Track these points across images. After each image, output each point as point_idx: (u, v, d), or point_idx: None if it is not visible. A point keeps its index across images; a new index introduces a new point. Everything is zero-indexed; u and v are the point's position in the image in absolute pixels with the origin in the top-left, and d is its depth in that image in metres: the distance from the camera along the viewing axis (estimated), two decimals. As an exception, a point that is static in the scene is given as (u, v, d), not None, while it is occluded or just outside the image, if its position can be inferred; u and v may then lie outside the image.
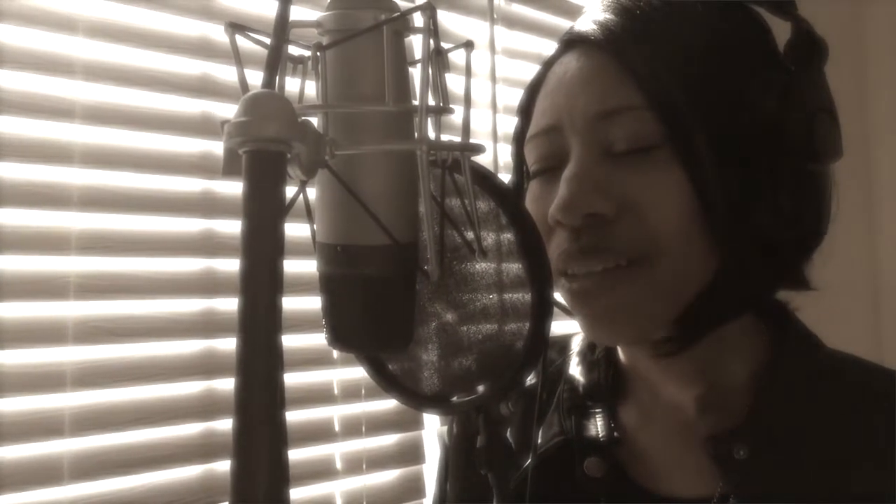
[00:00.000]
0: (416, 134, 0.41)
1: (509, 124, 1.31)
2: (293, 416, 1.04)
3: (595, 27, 0.62)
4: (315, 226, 0.43)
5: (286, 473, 0.31)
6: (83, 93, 0.89)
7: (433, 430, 1.19)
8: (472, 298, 0.50)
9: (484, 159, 1.25)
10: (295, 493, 1.03)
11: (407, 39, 0.43)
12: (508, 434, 0.52)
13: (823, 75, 0.61)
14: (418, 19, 0.40)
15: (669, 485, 0.63)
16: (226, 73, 0.99)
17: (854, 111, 1.89)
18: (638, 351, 0.66)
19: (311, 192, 0.43)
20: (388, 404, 1.12)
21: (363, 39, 0.40)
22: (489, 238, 0.50)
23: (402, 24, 0.41)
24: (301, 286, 0.92)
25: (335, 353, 1.06)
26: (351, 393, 1.09)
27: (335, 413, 1.09)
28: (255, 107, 0.32)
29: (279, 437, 0.31)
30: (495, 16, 1.32)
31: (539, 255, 0.50)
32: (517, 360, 0.49)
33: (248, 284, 0.31)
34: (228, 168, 0.33)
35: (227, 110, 0.99)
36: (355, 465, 1.10)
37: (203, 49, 0.98)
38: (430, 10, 0.38)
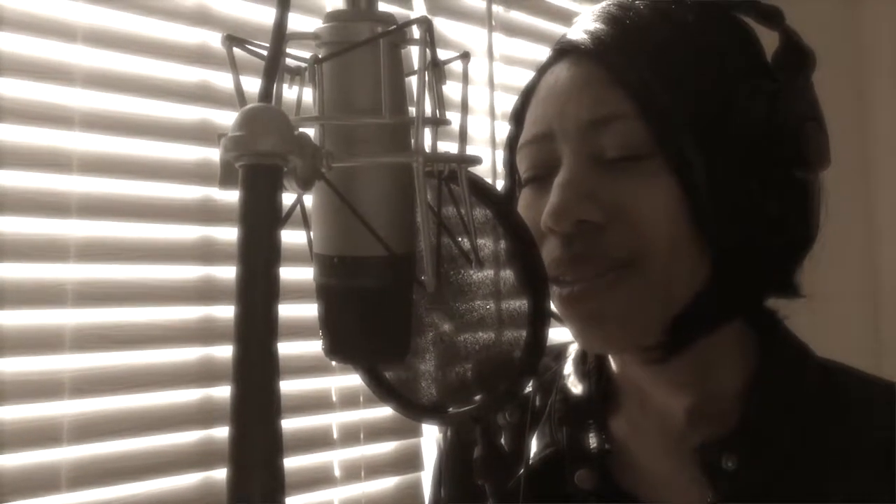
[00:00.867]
0: (412, 146, 0.41)
1: (508, 131, 1.31)
2: (291, 424, 1.04)
3: (586, 36, 0.62)
4: (312, 236, 0.43)
5: (282, 481, 0.32)
6: (82, 100, 0.89)
7: (431, 437, 1.19)
8: (469, 308, 0.51)
9: (483, 166, 1.25)
10: (293, 500, 1.03)
11: (404, 50, 0.43)
12: (502, 439, 0.52)
13: (811, 84, 0.62)
14: (415, 31, 0.40)
15: (660, 495, 0.63)
16: (224, 81, 1.00)
17: (852, 116, 1.89)
18: (628, 358, 0.66)
19: (309, 201, 0.44)
20: (387, 412, 1.11)
21: (360, 52, 0.40)
22: (486, 248, 0.51)
23: (398, 36, 0.41)
24: (300, 293, 0.93)
25: (333, 361, 1.06)
26: (349, 400, 1.09)
27: (333, 420, 1.09)
28: (252, 121, 0.32)
29: (275, 445, 0.31)
30: (494, 23, 1.32)
31: (535, 265, 0.50)
32: (515, 369, 0.50)
33: (244, 294, 0.31)
34: (225, 180, 0.33)
35: (226, 118, 0.99)
36: (354, 472, 1.10)
37: (202, 57, 0.98)
38: (426, 24, 0.38)
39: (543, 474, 0.65)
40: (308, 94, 0.43)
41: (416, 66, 0.39)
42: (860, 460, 0.60)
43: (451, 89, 0.45)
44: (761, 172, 0.58)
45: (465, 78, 0.46)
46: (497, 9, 1.33)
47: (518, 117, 0.67)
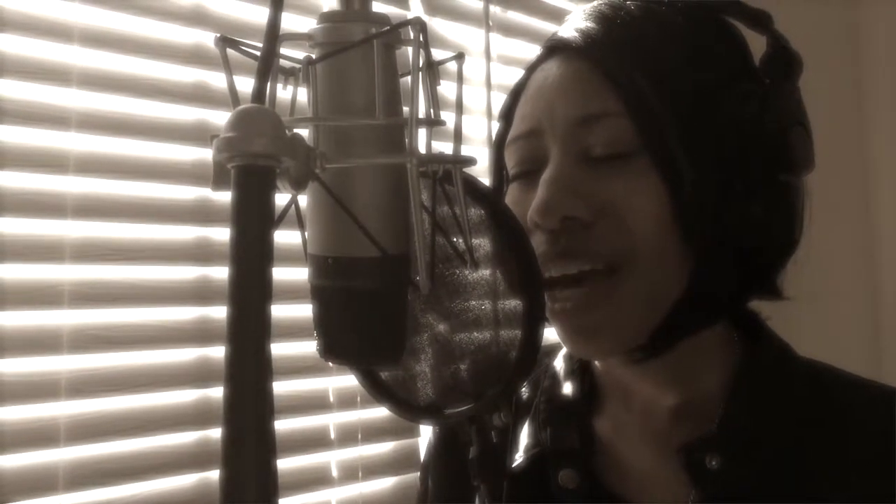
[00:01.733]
0: (406, 147, 0.41)
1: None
2: (289, 424, 1.04)
3: (576, 34, 0.63)
4: (306, 236, 0.43)
5: (275, 483, 0.32)
6: (78, 101, 0.89)
7: (429, 437, 1.19)
8: (464, 308, 0.51)
9: (479, 167, 1.25)
10: (291, 500, 1.03)
11: (399, 50, 0.43)
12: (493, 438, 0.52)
13: (797, 89, 0.62)
14: (409, 32, 0.41)
15: (644, 494, 0.64)
16: (220, 81, 0.99)
17: (851, 116, 1.89)
18: (613, 359, 0.66)
19: (304, 201, 0.44)
20: (384, 412, 1.10)
21: (354, 53, 0.40)
22: (481, 248, 0.51)
23: (392, 37, 0.41)
24: (298, 294, 0.92)
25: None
26: (347, 401, 1.09)
27: (331, 421, 1.09)
28: (244, 122, 0.32)
29: (268, 447, 0.31)
30: (491, 23, 1.32)
31: (530, 265, 0.50)
32: (510, 369, 0.49)
33: (237, 295, 0.31)
34: (218, 181, 0.33)
35: (222, 118, 0.98)
36: (351, 472, 1.10)
37: (197, 57, 0.98)
38: (420, 25, 0.38)
39: (529, 474, 0.65)
40: (302, 95, 0.43)
41: (410, 67, 0.40)
42: (844, 459, 0.60)
43: (447, 89, 0.45)
44: (746, 174, 0.59)
45: (459, 78, 0.46)
46: (494, 9, 1.33)
47: (507, 115, 0.67)
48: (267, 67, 0.35)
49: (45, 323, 0.87)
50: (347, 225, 0.40)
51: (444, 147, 0.47)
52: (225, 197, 1.04)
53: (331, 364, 1.08)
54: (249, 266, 0.31)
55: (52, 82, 0.88)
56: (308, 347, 1.03)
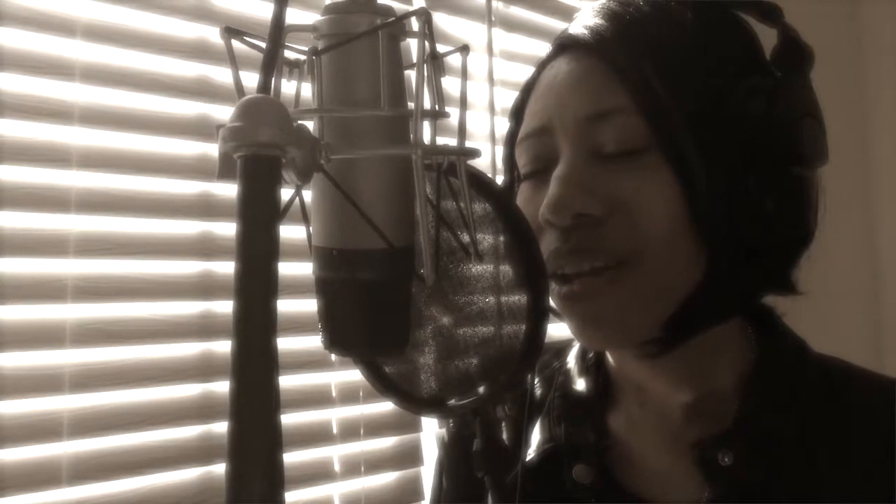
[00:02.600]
0: (411, 138, 0.41)
1: (507, 126, 1.31)
2: (291, 419, 1.04)
3: (586, 31, 0.63)
4: (311, 229, 0.43)
5: (281, 476, 0.31)
6: (81, 95, 0.89)
7: (432, 432, 1.19)
8: (468, 301, 0.51)
9: (482, 161, 1.25)
10: (293, 495, 1.03)
11: (403, 43, 0.43)
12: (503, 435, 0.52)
13: (809, 81, 0.62)
14: (414, 23, 0.40)
15: (658, 490, 0.64)
16: (223, 76, 0.99)
17: (853, 113, 1.89)
18: (626, 354, 0.66)
19: (308, 195, 0.44)
20: (387, 407, 1.12)
21: (359, 44, 0.40)
22: (485, 241, 0.51)
23: (397, 28, 0.41)
24: (299, 288, 0.93)
25: (333, 356, 1.06)
26: (349, 395, 1.09)
27: (333, 415, 1.09)
28: (250, 112, 0.32)
29: (274, 441, 0.31)
30: (493, 18, 1.32)
31: (535, 258, 0.50)
32: (514, 363, 0.49)
33: (242, 288, 0.31)
34: (223, 172, 0.33)
35: (225, 112, 0.99)
36: (353, 467, 1.10)
37: (200, 51, 0.98)
38: (425, 15, 0.38)
39: (542, 469, 0.65)
40: (307, 88, 0.43)
41: (414, 59, 0.39)
42: (859, 457, 0.60)
43: (451, 84, 0.45)
44: (758, 169, 0.58)
45: (464, 71, 0.46)
46: (497, 4, 1.33)
47: (518, 113, 0.67)
48: (273, 59, 0.35)
49: (49, 317, 0.87)
50: (352, 217, 0.40)
51: (448, 141, 0.47)
52: (228, 191, 1.05)
53: (334, 357, 1.09)
54: (256, 257, 0.31)
55: (56, 76, 0.88)
56: (310, 342, 1.03)
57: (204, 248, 0.98)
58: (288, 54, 0.42)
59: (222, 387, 0.98)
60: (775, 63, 0.62)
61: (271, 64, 0.35)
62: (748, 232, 0.59)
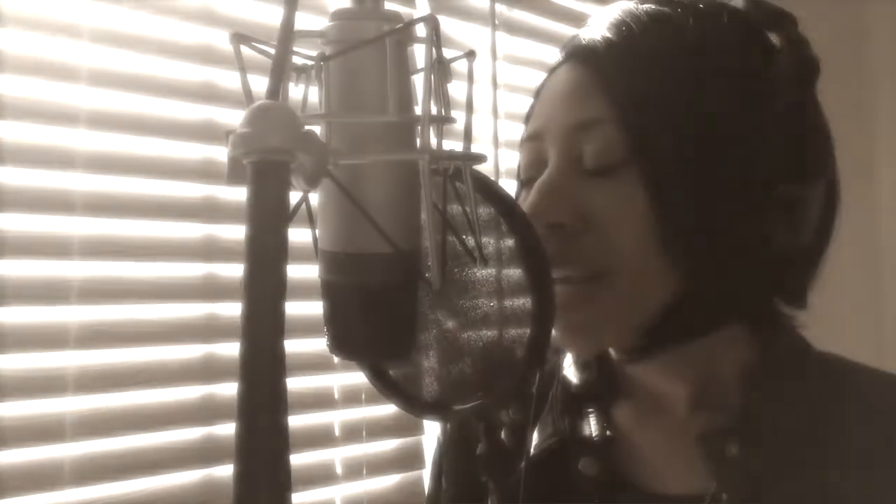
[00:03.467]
0: (418, 143, 0.41)
1: (510, 131, 1.32)
2: (294, 421, 1.03)
3: (584, 40, 0.63)
4: (317, 233, 0.43)
5: (289, 479, 0.32)
6: (87, 99, 0.90)
7: (433, 435, 1.19)
8: (473, 306, 0.51)
9: (485, 166, 1.25)
10: (295, 497, 1.02)
11: (410, 48, 0.44)
12: (503, 435, 0.53)
13: (814, 95, 0.61)
14: (421, 30, 0.41)
15: (664, 483, 0.64)
16: (229, 80, 1.00)
17: (856, 120, 1.88)
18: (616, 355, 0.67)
19: (314, 198, 0.44)
20: (389, 409, 1.12)
21: (366, 50, 0.40)
22: (490, 245, 0.51)
23: (405, 34, 0.41)
24: (303, 291, 0.92)
25: (336, 359, 1.06)
26: (352, 398, 1.10)
27: (336, 418, 1.09)
28: (260, 118, 0.32)
29: (282, 443, 0.31)
30: (497, 22, 1.32)
31: (540, 262, 0.50)
32: (518, 367, 0.50)
33: (251, 290, 0.32)
34: (233, 176, 0.33)
35: (230, 116, 0.99)
36: (356, 470, 1.10)
37: (206, 56, 0.98)
38: (432, 22, 0.39)
39: (547, 463, 0.65)
40: (314, 93, 0.43)
41: (421, 65, 0.40)
42: (864, 451, 0.60)
43: (455, 88, 0.45)
44: (744, 187, 0.58)
45: (470, 75, 0.46)
46: (500, 8, 1.33)
47: (528, 117, 0.68)
48: (282, 64, 0.35)
49: (53, 319, 0.88)
50: (359, 221, 0.41)
51: (453, 145, 0.47)
52: (232, 194, 1.05)
53: (336, 360, 1.09)
54: (265, 261, 0.31)
55: (62, 80, 0.88)
56: (313, 345, 1.03)
57: (208, 250, 0.98)
58: (296, 60, 0.42)
59: (226, 389, 0.98)
60: (778, 76, 0.61)
61: (281, 69, 0.36)
62: (729, 251, 0.58)
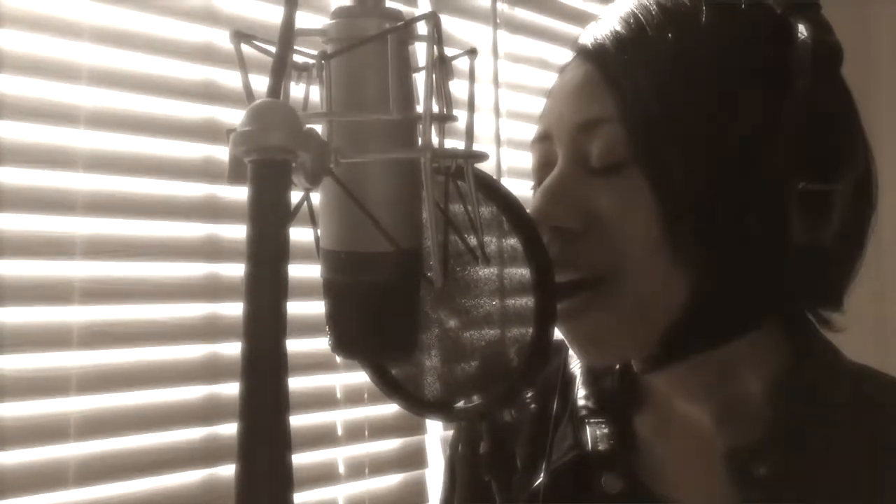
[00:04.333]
0: (419, 142, 0.41)
1: (512, 129, 1.32)
2: (296, 421, 1.04)
3: (591, 37, 0.61)
4: (319, 231, 0.43)
5: (291, 479, 0.32)
6: (88, 98, 0.90)
7: (437, 434, 1.19)
8: (475, 304, 0.51)
9: (487, 164, 1.25)
10: (298, 497, 1.02)
11: (411, 46, 0.43)
12: (518, 442, 0.52)
13: (838, 81, 0.58)
14: (422, 27, 0.41)
15: (688, 498, 0.62)
16: (229, 79, 1.00)
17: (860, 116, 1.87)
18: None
19: (316, 198, 0.44)
20: (392, 409, 1.12)
21: (367, 48, 0.40)
22: (492, 244, 0.51)
23: (406, 32, 0.41)
24: (305, 290, 0.92)
25: (338, 358, 1.06)
26: (354, 397, 1.10)
27: (338, 417, 1.09)
28: (261, 116, 0.32)
29: (284, 442, 0.31)
30: (498, 21, 1.32)
31: (542, 261, 0.50)
32: (520, 366, 0.49)
33: (253, 290, 0.31)
34: (234, 175, 0.33)
35: (232, 116, 0.99)
36: (358, 469, 1.10)
37: (207, 55, 0.98)
38: (433, 19, 0.38)
39: (566, 476, 0.63)
40: (315, 92, 0.43)
41: (422, 62, 0.40)
42: (892, 468, 0.58)
43: (457, 86, 0.45)
44: (754, 186, 0.55)
45: (471, 74, 0.46)
46: (502, 6, 1.33)
47: (540, 117, 0.66)
48: (283, 62, 0.35)
49: (56, 319, 0.88)
50: (361, 220, 0.40)
51: (455, 144, 0.47)
52: (234, 194, 1.05)
53: (339, 359, 1.09)
54: (267, 259, 0.31)
55: (62, 79, 0.88)
56: (316, 344, 1.03)
57: (210, 250, 0.98)
58: (297, 58, 0.42)
59: (228, 389, 0.98)
60: (798, 65, 0.56)
61: (282, 68, 0.36)
62: (736, 254, 0.56)
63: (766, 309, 0.60)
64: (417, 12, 1.19)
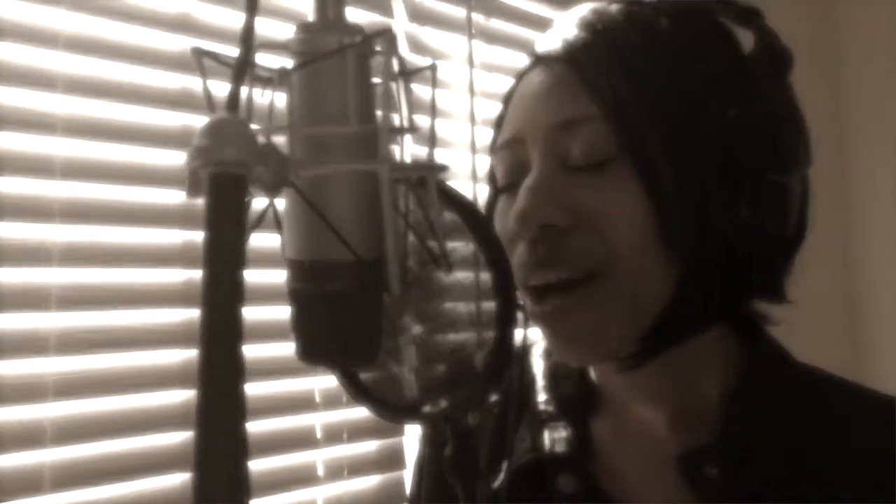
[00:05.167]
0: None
1: (487, 137, 1.32)
2: (275, 424, 1.05)
3: (558, 41, 0.63)
4: (283, 241, 0.44)
5: (246, 486, 0.32)
6: (64, 106, 0.90)
7: (414, 437, 1.20)
8: (440, 311, 0.52)
9: (463, 171, 1.26)
10: (277, 499, 1.04)
11: (373, 59, 0.44)
12: (482, 444, 0.53)
13: (789, 85, 0.61)
14: (380, 44, 0.42)
15: (642, 500, 0.63)
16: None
17: (828, 117, 1.88)
18: (605, 366, 0.66)
19: (282, 205, 0.45)
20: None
21: (328, 62, 0.41)
22: (456, 251, 0.52)
23: (365, 47, 0.42)
24: (282, 296, 0.93)
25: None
26: (332, 400, 1.10)
27: (317, 420, 1.10)
28: (215, 131, 0.33)
29: (239, 448, 0.32)
30: (474, 31, 1.33)
31: (501, 266, 0.50)
32: (483, 370, 0.50)
33: (208, 299, 0.32)
34: (193, 189, 0.34)
35: (208, 123, 1.00)
36: (337, 471, 1.11)
37: (183, 63, 0.99)
38: (388, 36, 0.40)
39: (524, 478, 0.64)
40: (282, 101, 0.44)
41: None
42: (844, 469, 0.59)
43: (428, 95, 0.46)
44: (733, 177, 0.58)
45: (433, 86, 0.47)
46: (477, 17, 1.34)
47: (498, 123, 0.67)
48: (241, 76, 0.36)
49: (33, 325, 0.88)
50: (322, 230, 0.41)
51: (422, 152, 0.48)
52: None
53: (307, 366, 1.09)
54: (221, 270, 0.32)
55: (38, 87, 0.89)
56: (293, 348, 1.03)
57: (187, 256, 0.99)
58: (261, 71, 0.43)
59: (205, 394, 0.98)
60: (753, 67, 0.61)
61: (240, 80, 0.36)
62: (722, 241, 0.58)
63: (734, 299, 0.63)
64: (394, 22, 1.21)
